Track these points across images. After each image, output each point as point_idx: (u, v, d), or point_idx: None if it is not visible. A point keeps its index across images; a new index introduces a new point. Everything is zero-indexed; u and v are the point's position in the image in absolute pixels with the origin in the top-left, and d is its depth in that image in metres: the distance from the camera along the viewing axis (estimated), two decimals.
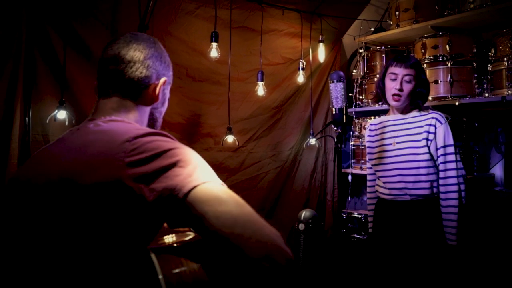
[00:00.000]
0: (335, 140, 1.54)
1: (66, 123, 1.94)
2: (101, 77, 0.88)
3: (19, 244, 0.75)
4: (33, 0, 1.94)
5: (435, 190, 1.81)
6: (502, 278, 2.15)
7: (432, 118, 1.81)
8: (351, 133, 3.03)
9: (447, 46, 2.45)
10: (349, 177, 2.92)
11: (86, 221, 0.69)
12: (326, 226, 3.10)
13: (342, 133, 1.58)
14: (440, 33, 2.50)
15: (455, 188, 1.77)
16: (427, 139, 1.80)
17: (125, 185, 0.67)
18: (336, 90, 1.54)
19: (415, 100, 1.88)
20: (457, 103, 2.38)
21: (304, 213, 1.22)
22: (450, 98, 2.42)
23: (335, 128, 1.58)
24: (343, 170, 3.11)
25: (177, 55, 2.40)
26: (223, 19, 2.45)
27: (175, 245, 0.72)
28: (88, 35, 2.11)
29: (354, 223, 2.87)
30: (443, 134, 1.79)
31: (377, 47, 2.94)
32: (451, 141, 1.80)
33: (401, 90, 1.84)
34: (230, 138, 2.41)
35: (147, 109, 0.92)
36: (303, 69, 2.77)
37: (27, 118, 1.94)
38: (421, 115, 1.87)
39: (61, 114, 1.93)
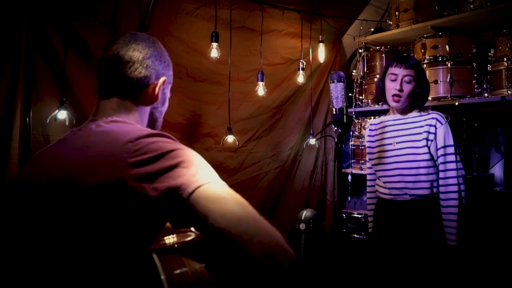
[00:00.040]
0: (335, 140, 1.54)
1: (67, 123, 1.94)
2: (101, 78, 0.89)
3: (21, 245, 0.75)
4: (33, 0, 1.94)
5: (435, 190, 1.82)
6: (502, 278, 2.16)
7: (432, 118, 1.82)
8: (351, 133, 3.03)
9: (447, 46, 2.45)
10: (349, 177, 2.92)
11: (88, 221, 0.69)
12: (326, 226, 3.10)
13: (342, 133, 1.58)
14: (440, 33, 2.50)
15: (455, 188, 1.77)
16: (427, 139, 1.81)
17: (128, 185, 0.67)
18: (337, 90, 1.54)
19: (415, 100, 1.88)
20: (456, 103, 2.39)
21: (305, 213, 1.22)
22: (450, 98, 2.42)
23: (335, 128, 1.58)
24: (343, 170, 3.11)
25: (177, 55, 2.40)
26: (223, 19, 2.45)
27: (176, 245, 0.73)
28: (89, 35, 2.11)
29: (354, 223, 2.87)
30: (443, 134, 1.80)
31: (377, 47, 2.94)
32: (451, 141, 1.81)
33: (401, 90, 1.84)
34: (230, 138, 2.41)
35: (147, 109, 0.92)
36: (303, 69, 2.77)
37: (27, 118, 1.94)
38: (421, 115, 1.87)
39: (62, 114, 1.93)
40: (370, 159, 2.03)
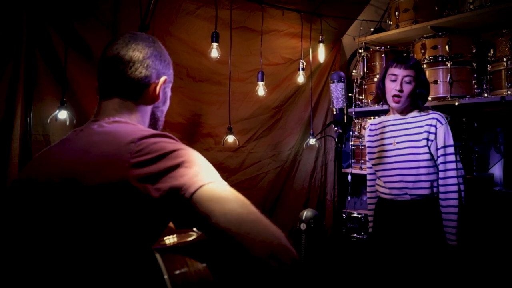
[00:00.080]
0: (336, 140, 1.54)
1: (67, 123, 1.94)
2: (102, 78, 0.89)
3: (24, 245, 0.75)
4: (34, 0, 1.94)
5: (435, 190, 1.82)
6: (502, 278, 2.16)
7: (433, 118, 1.82)
8: (351, 133, 3.04)
9: (447, 47, 2.46)
10: (349, 177, 2.93)
11: (91, 221, 0.69)
12: (326, 226, 3.10)
13: (342, 133, 1.58)
14: (440, 34, 2.51)
15: (455, 188, 1.78)
16: (427, 139, 1.81)
17: (131, 186, 0.67)
18: (337, 90, 1.54)
19: (415, 100, 1.89)
20: (456, 103, 2.39)
21: (306, 213, 1.22)
22: (449, 98, 2.43)
23: (336, 128, 1.58)
24: (342, 170, 3.12)
25: (177, 55, 2.41)
26: (223, 19, 2.45)
27: (178, 245, 0.73)
28: (89, 35, 2.11)
29: (354, 223, 2.88)
30: (444, 134, 1.80)
31: (377, 48, 2.94)
32: (451, 141, 1.81)
33: (401, 91, 1.85)
34: (230, 138, 2.42)
35: (149, 109, 0.92)
36: (303, 69, 2.78)
37: (28, 118, 1.94)
38: (421, 115, 1.87)
39: (62, 114, 1.93)
40: (370, 159, 2.03)
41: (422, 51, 2.55)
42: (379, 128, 1.99)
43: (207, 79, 2.59)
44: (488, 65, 2.36)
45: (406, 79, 1.85)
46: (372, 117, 2.86)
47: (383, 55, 2.88)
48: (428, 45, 2.54)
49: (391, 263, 1.87)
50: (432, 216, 1.81)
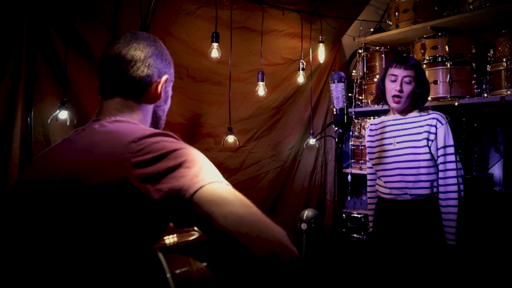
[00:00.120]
0: (336, 140, 1.54)
1: (68, 123, 1.94)
2: (103, 77, 0.88)
3: (27, 244, 0.75)
4: (34, 0, 1.94)
5: (435, 189, 1.83)
6: (501, 277, 2.17)
7: (433, 118, 1.83)
8: (351, 133, 3.04)
9: (446, 47, 2.46)
10: (349, 177, 2.93)
11: (93, 220, 0.69)
12: (326, 225, 3.11)
13: (342, 133, 1.58)
14: (440, 34, 2.51)
15: (454, 188, 1.78)
16: (427, 139, 1.81)
17: (132, 185, 0.67)
18: (337, 90, 1.54)
19: (415, 100, 1.89)
20: (456, 104, 2.39)
21: (307, 213, 1.22)
22: (449, 99, 2.43)
23: (336, 128, 1.58)
24: (342, 170, 3.12)
25: (177, 55, 2.41)
26: (223, 19, 2.46)
27: (179, 245, 0.73)
28: (89, 35, 2.11)
29: (354, 223, 2.88)
30: (444, 134, 1.81)
31: (377, 48, 2.95)
32: (451, 141, 1.81)
33: (401, 91, 1.85)
34: (231, 138, 2.42)
35: (150, 108, 0.92)
36: (303, 69, 2.78)
37: (28, 118, 1.94)
38: (421, 115, 1.88)
39: (63, 114, 1.93)
40: (370, 159, 2.04)
41: (422, 51, 2.56)
42: (379, 128, 1.99)
43: (207, 79, 2.59)
44: (488, 65, 2.37)
45: (406, 79, 1.85)
46: (372, 117, 2.86)
47: (383, 55, 2.88)
48: (427, 45, 2.54)
49: (391, 262, 1.87)
50: (432, 216, 1.81)
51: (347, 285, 2.41)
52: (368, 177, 2.11)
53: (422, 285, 1.77)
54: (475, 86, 2.43)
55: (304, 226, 1.19)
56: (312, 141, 2.84)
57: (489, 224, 2.33)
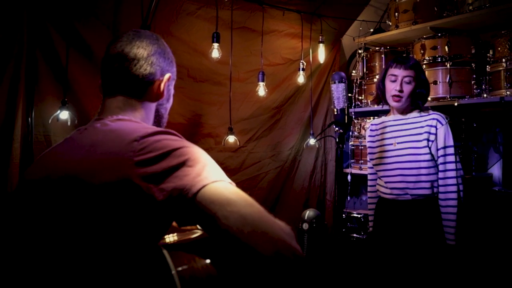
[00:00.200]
0: (337, 140, 1.54)
1: (69, 123, 1.94)
2: (106, 76, 0.88)
3: (31, 244, 0.75)
4: (35, 0, 1.94)
5: (435, 190, 1.83)
6: (500, 277, 2.17)
7: (433, 119, 1.83)
8: (350, 133, 3.04)
9: (446, 47, 2.47)
10: (349, 177, 2.94)
11: (96, 219, 0.69)
12: (327, 225, 3.11)
13: (343, 134, 1.59)
14: (439, 34, 2.52)
15: (454, 188, 1.79)
16: (428, 139, 1.82)
17: (135, 184, 0.67)
18: (338, 90, 1.54)
19: (415, 100, 1.90)
20: (456, 104, 2.40)
21: (308, 213, 1.23)
22: (449, 99, 2.44)
23: (337, 128, 1.59)
24: (342, 170, 3.12)
25: (178, 55, 2.37)
26: (224, 19, 2.46)
27: (182, 242, 0.73)
28: (90, 35, 2.11)
29: (354, 223, 2.88)
30: (444, 135, 1.81)
31: (376, 48, 2.95)
32: (451, 142, 1.82)
33: (401, 91, 1.85)
34: (231, 138, 2.42)
35: (153, 106, 0.92)
36: (303, 69, 2.79)
37: (29, 119, 1.94)
38: (421, 116, 1.88)
39: (64, 115, 1.93)
40: (371, 159, 2.04)
41: (422, 51, 2.56)
42: (379, 129, 2.00)
43: (207, 79, 2.60)
44: (487, 66, 2.37)
45: (406, 79, 1.86)
46: (371, 118, 2.87)
47: (382, 56, 2.89)
48: (427, 45, 2.55)
49: (391, 262, 1.88)
50: (432, 215, 1.82)
51: (347, 285, 2.42)
52: (369, 177, 2.12)
53: (422, 285, 1.78)
54: (474, 87, 2.44)
55: (305, 226, 1.19)
56: (312, 141, 2.84)
57: (488, 224, 2.33)
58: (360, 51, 3.03)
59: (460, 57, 2.47)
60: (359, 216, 2.86)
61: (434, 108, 2.09)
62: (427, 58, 2.54)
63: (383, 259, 1.92)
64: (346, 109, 1.55)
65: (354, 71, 3.19)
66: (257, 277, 0.63)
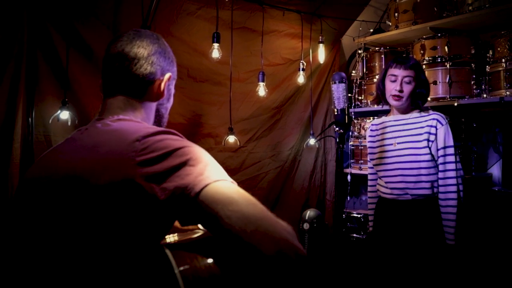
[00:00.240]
0: (337, 140, 1.55)
1: (69, 123, 1.94)
2: (106, 75, 0.88)
3: (33, 244, 0.75)
4: (35, 0, 1.94)
5: (435, 190, 1.84)
6: (500, 277, 2.18)
7: (433, 119, 1.83)
8: (350, 133, 3.05)
9: (446, 47, 2.47)
10: (348, 177, 2.94)
11: (98, 219, 0.69)
12: (328, 225, 3.11)
13: (343, 134, 1.59)
14: (439, 35, 2.53)
15: (454, 188, 1.79)
16: (428, 140, 1.82)
17: (137, 184, 0.67)
18: (338, 91, 1.54)
19: (416, 100, 1.90)
20: (455, 104, 2.41)
21: (309, 213, 1.23)
22: (448, 99, 2.44)
23: (337, 128, 1.59)
24: (343, 170, 3.13)
25: (178, 55, 2.36)
26: (224, 20, 2.46)
27: (184, 242, 0.73)
28: (90, 35, 2.11)
29: (353, 223, 2.89)
30: (444, 135, 1.82)
31: (376, 48, 2.96)
32: (451, 142, 1.82)
33: (401, 91, 1.86)
34: (231, 138, 2.42)
35: (153, 106, 0.92)
36: (303, 69, 2.79)
37: (30, 119, 1.94)
38: (421, 116, 1.89)
39: (64, 115, 1.93)
40: (371, 159, 2.05)
41: (422, 52, 2.57)
42: (380, 129, 2.00)
43: (207, 79, 2.60)
44: (487, 66, 2.38)
45: (406, 79, 1.86)
46: (371, 118, 2.87)
47: (382, 56, 2.89)
48: (427, 46, 2.55)
49: (391, 262, 1.88)
50: (432, 216, 1.82)
51: (347, 285, 2.42)
52: (369, 177, 2.12)
53: (422, 284, 1.78)
54: (474, 87, 2.45)
55: (306, 226, 1.19)
56: (312, 141, 2.84)
57: (488, 223, 2.34)
58: (360, 51, 3.03)
59: (460, 57, 2.47)
60: (359, 216, 2.86)
61: (434, 108, 2.09)
62: (427, 58, 2.54)
63: (383, 259, 1.92)
64: (346, 109, 1.55)
65: (354, 71, 3.20)
66: (259, 277, 0.63)
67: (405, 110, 1.93)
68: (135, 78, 0.86)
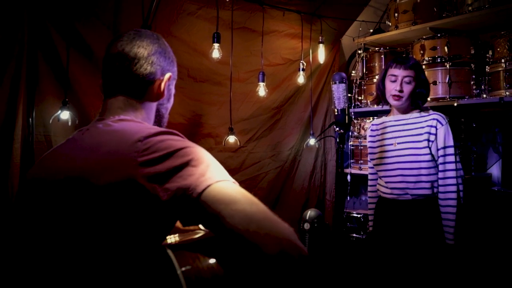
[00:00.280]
0: (337, 140, 1.55)
1: (69, 123, 1.94)
2: (106, 75, 0.88)
3: (35, 244, 0.76)
4: (35, 0, 1.94)
5: (435, 190, 1.84)
6: (499, 277, 2.18)
7: (433, 119, 1.84)
8: (350, 133, 3.05)
9: (446, 48, 2.48)
10: (348, 177, 2.94)
11: (100, 219, 0.69)
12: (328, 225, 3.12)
13: (343, 134, 1.59)
14: (439, 35, 2.53)
15: (453, 188, 1.79)
16: (428, 140, 1.83)
17: (139, 184, 0.67)
18: (339, 91, 1.55)
19: (416, 100, 1.90)
20: (455, 104, 2.41)
21: (310, 213, 1.23)
22: (448, 99, 2.45)
23: (337, 128, 1.59)
24: (343, 170, 3.13)
25: (178, 55, 2.36)
26: (224, 20, 2.46)
27: (185, 243, 0.73)
28: (90, 35, 2.11)
29: (353, 223, 2.89)
30: (444, 135, 1.82)
31: (376, 48, 2.96)
32: (451, 142, 1.83)
33: (401, 91, 1.86)
34: (231, 139, 2.42)
35: (154, 106, 0.92)
36: (303, 69, 2.79)
37: (30, 119, 1.94)
38: (421, 116, 1.89)
39: (64, 115, 1.93)
40: (371, 159, 2.05)
41: (421, 52, 2.57)
42: (380, 129, 2.01)
43: (207, 79, 2.60)
44: (487, 66, 2.38)
45: (406, 79, 1.86)
46: (371, 118, 2.88)
47: (382, 56, 2.90)
48: (427, 46, 2.56)
49: (391, 262, 1.88)
50: (432, 215, 1.83)
51: (347, 285, 2.42)
52: (369, 177, 2.12)
53: (422, 284, 1.79)
54: (474, 87, 2.45)
55: (307, 226, 1.20)
56: (312, 141, 2.85)
57: (488, 223, 2.34)
58: (359, 52, 3.03)
59: (460, 57, 2.47)
60: (358, 216, 2.87)
61: (434, 108, 2.09)
62: (426, 58, 2.55)
63: (383, 258, 1.92)
64: (346, 109, 1.55)
65: (353, 72, 3.20)
66: (262, 277, 0.63)
67: (405, 110, 1.94)
68: (135, 78, 0.86)
